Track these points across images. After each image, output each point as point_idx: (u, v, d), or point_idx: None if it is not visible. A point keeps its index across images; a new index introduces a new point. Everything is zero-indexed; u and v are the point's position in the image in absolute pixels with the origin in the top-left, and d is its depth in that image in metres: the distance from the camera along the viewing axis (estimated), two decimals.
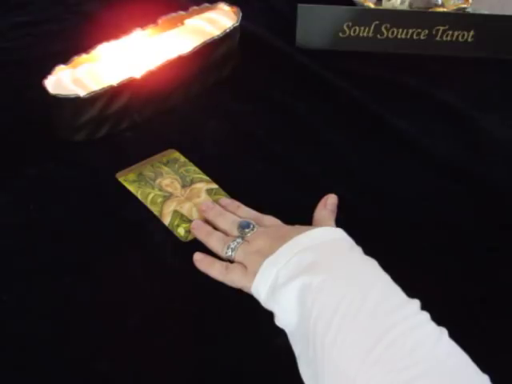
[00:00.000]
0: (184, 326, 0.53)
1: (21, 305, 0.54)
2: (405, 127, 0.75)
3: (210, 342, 0.52)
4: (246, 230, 0.56)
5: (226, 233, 0.58)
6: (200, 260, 0.57)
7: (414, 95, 0.81)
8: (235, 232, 0.57)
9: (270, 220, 0.59)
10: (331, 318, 0.44)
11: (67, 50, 0.74)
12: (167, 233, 0.61)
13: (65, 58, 0.72)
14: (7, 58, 0.83)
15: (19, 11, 0.92)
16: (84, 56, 0.73)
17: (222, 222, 0.59)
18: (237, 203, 0.62)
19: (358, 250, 0.52)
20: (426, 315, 0.44)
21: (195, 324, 0.53)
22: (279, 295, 0.49)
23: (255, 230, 0.56)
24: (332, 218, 0.59)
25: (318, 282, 0.47)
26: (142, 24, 0.78)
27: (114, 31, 0.76)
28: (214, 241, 0.58)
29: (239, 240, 0.56)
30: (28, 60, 0.82)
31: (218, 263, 0.56)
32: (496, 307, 0.56)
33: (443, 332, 0.43)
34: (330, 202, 0.60)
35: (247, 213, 0.60)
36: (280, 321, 0.50)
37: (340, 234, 0.54)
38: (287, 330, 0.50)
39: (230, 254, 0.55)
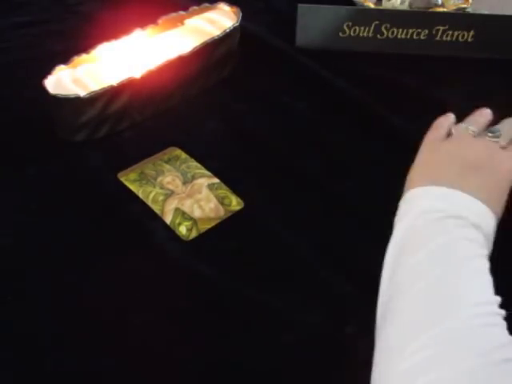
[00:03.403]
0: (187, 325, 0.53)
1: (21, 305, 0.54)
2: (405, 127, 0.75)
3: (215, 339, 0.52)
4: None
5: None
6: None
7: (414, 95, 0.81)
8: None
9: None
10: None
11: (67, 50, 0.74)
12: (169, 231, 0.61)
13: (65, 58, 0.72)
14: (7, 58, 0.83)
15: (19, 11, 0.92)
16: (84, 56, 0.73)
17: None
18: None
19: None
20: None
21: (199, 322, 0.53)
22: None
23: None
24: None
25: None
26: (142, 24, 0.78)
27: (114, 31, 0.76)
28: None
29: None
30: (28, 60, 0.82)
31: None
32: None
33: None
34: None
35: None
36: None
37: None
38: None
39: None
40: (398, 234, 0.49)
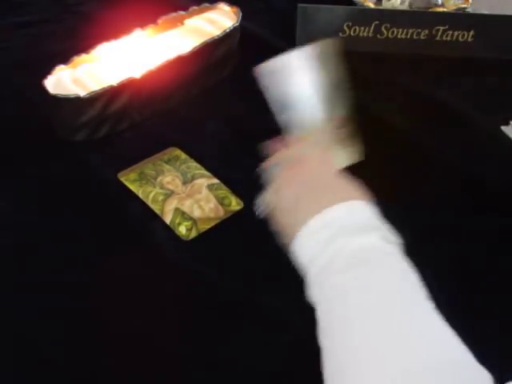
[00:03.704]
0: (187, 325, 0.53)
1: (21, 305, 0.54)
2: (405, 127, 0.75)
3: (215, 339, 0.52)
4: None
5: None
6: None
7: (414, 95, 0.81)
8: None
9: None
10: None
11: (67, 50, 0.74)
12: (168, 231, 0.61)
13: (65, 58, 0.72)
14: (7, 58, 0.83)
15: (19, 11, 0.92)
16: (84, 56, 0.73)
17: None
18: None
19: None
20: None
21: (199, 323, 0.53)
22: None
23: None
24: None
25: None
26: (142, 24, 0.78)
27: (114, 31, 0.76)
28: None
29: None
30: (28, 60, 0.82)
31: None
32: (496, 307, 0.56)
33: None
34: None
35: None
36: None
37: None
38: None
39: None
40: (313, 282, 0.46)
